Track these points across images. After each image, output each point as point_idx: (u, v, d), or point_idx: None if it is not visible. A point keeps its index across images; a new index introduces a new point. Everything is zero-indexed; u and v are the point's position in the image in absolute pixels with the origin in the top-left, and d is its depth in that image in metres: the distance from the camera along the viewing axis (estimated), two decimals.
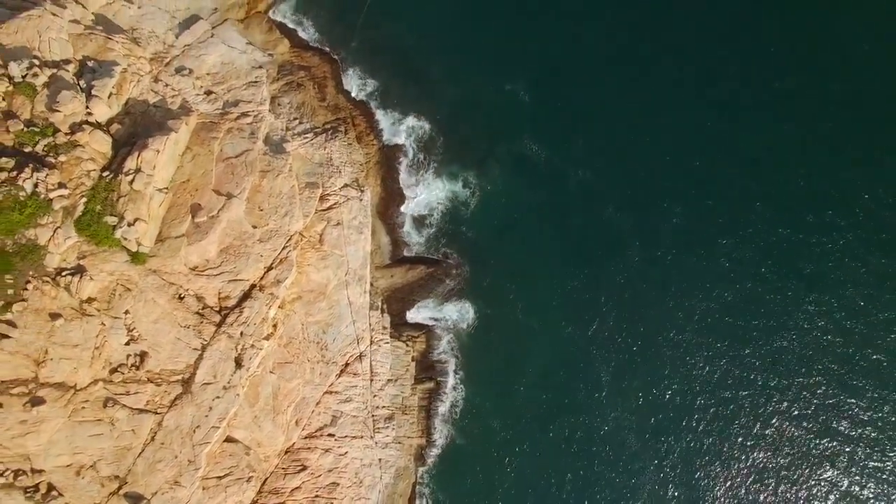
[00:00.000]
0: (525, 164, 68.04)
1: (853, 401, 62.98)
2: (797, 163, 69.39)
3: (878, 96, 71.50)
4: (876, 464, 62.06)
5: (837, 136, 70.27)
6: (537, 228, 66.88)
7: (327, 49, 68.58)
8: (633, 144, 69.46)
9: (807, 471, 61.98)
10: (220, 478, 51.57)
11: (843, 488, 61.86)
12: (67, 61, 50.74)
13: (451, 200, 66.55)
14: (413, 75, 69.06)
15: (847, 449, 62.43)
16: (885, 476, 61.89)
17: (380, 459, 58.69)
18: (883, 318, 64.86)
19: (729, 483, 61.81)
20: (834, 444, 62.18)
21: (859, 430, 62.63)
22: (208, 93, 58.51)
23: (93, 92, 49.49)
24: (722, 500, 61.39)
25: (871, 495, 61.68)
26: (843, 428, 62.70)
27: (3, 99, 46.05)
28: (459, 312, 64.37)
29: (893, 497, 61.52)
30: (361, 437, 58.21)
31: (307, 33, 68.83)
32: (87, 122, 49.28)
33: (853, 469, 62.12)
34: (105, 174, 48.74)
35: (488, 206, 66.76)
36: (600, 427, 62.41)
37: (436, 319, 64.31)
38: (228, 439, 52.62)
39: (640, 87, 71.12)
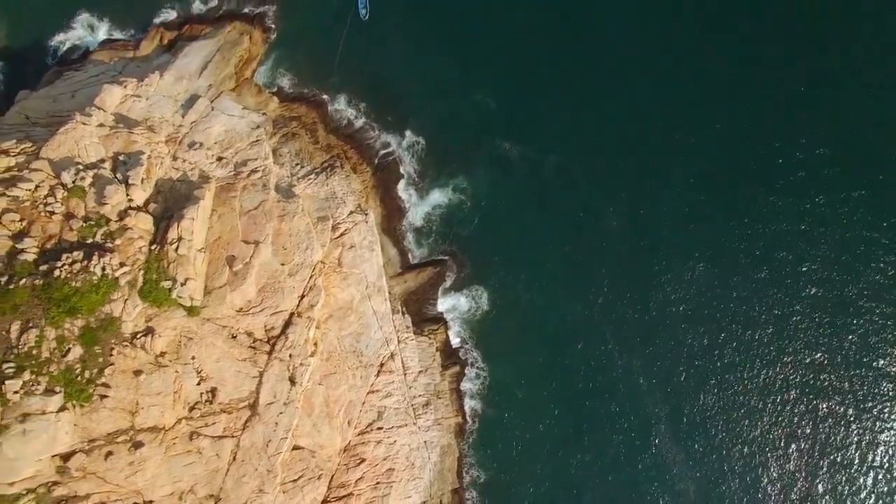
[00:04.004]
0: (504, 162, 73.86)
1: (841, 338, 69.72)
2: (754, 129, 75.89)
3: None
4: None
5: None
6: (526, 215, 72.64)
7: (311, 96, 73.91)
8: (592, 126, 75.54)
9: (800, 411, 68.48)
10: (294, 480, 56.78)
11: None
12: (103, 160, 56.23)
13: (445, 206, 72.13)
14: (391, 102, 74.75)
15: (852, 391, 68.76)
16: None
17: (425, 442, 64.23)
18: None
19: (725, 411, 68.23)
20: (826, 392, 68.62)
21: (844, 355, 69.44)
22: (219, 159, 63.66)
23: (129, 181, 55.15)
24: (721, 428, 67.64)
25: None
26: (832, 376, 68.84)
27: (62, 204, 52.06)
28: (470, 301, 69.83)
29: None
30: (406, 425, 63.59)
31: (291, 86, 74.28)
32: (130, 208, 54.88)
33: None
34: (153, 247, 54.34)
35: (480, 205, 72.40)
36: (611, 376, 68.64)
37: (450, 311, 69.60)
38: (295, 447, 57.54)
39: (588, 78, 77.35)
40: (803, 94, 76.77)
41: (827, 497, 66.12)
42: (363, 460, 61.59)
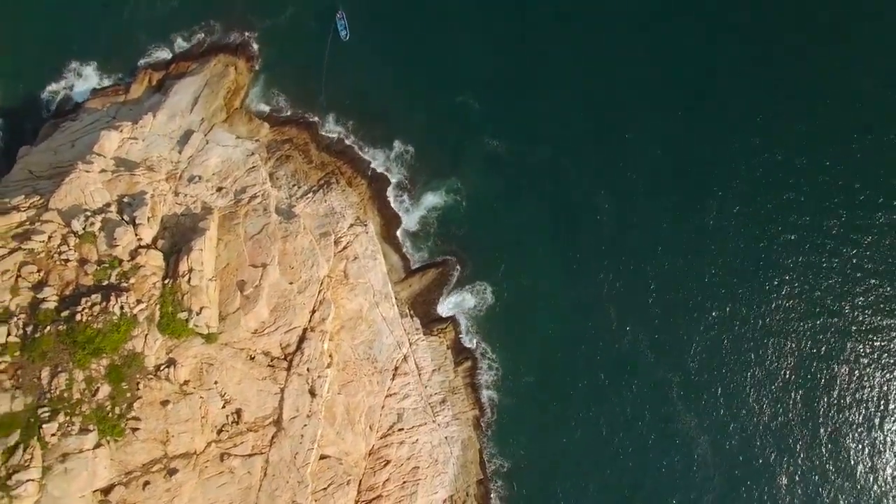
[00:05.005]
0: (493, 159, 75.37)
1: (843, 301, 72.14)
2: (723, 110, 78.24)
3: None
4: None
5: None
6: (520, 208, 74.25)
7: (301, 118, 75.20)
8: (577, 117, 77.28)
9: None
10: (325, 489, 58.42)
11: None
12: (109, 204, 58.11)
13: (440, 208, 73.71)
14: (378, 114, 76.23)
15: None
16: None
17: (445, 437, 65.95)
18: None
19: (734, 375, 70.59)
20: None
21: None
22: (219, 189, 65.22)
23: (136, 221, 56.96)
24: (732, 393, 70.12)
25: None
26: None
27: (75, 250, 54.04)
28: (475, 296, 71.55)
29: None
30: (425, 423, 65.39)
31: (280, 111, 75.66)
32: (140, 247, 56.59)
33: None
34: (166, 281, 56.18)
35: (474, 203, 73.95)
36: (619, 351, 70.71)
37: (457, 308, 71.24)
38: (322, 456, 59.11)
39: (567, 71, 79.17)
40: (800, 92, 78.91)
41: (843, 452, 68.70)
42: (388, 462, 63.34)
